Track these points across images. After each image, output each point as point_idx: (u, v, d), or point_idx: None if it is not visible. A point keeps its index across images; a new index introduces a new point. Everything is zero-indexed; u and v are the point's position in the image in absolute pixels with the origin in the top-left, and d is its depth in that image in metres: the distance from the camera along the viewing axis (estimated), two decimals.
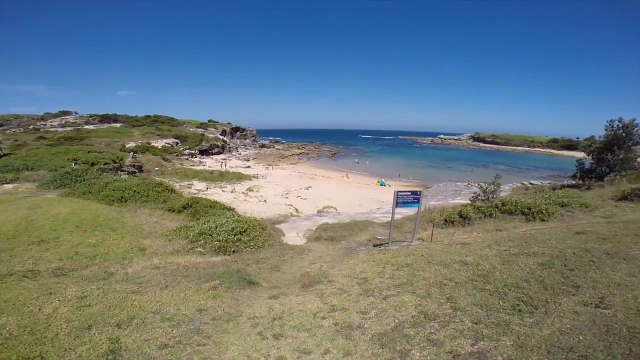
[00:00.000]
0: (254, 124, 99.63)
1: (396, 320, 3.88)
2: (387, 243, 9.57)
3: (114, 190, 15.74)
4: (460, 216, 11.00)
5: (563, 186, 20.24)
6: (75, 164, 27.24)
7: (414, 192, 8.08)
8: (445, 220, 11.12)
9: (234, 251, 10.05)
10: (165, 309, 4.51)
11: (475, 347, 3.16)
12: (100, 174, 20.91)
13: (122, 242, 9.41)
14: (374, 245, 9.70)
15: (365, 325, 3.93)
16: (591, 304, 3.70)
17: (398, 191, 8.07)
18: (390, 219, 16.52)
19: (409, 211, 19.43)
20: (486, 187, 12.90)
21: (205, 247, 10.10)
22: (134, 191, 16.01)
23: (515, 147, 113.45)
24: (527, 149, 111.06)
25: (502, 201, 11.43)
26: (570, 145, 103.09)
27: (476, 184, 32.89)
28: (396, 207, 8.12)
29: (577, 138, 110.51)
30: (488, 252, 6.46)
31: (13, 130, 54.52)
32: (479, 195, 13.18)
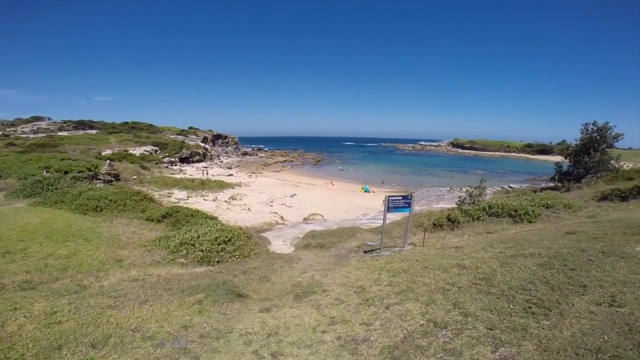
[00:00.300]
0: (236, 132, 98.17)
1: (404, 331, 3.59)
2: (378, 249, 9.34)
3: (88, 199, 14.95)
4: (449, 220, 10.96)
5: (543, 189, 20.77)
6: (47, 172, 25.77)
7: (405, 197, 7.91)
8: (434, 224, 11.04)
9: (218, 261, 9.56)
10: (146, 326, 4.04)
11: (496, 354, 2.93)
12: (73, 183, 19.90)
13: (96, 253, 8.76)
14: (364, 252, 9.44)
15: (372, 338, 3.62)
16: (604, 303, 3.56)
17: (389, 196, 7.88)
18: (377, 224, 16.42)
19: (396, 216, 19.34)
20: (472, 191, 12.98)
21: (187, 258, 9.55)
22: (110, 200, 15.26)
23: (492, 153, 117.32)
24: (504, 154, 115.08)
25: (488, 204, 11.48)
26: (544, 150, 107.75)
27: (458, 189, 33.56)
28: (387, 212, 7.90)
29: (550, 143, 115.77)
30: (484, 255, 6.34)
31: None
32: (465, 199, 13.24)
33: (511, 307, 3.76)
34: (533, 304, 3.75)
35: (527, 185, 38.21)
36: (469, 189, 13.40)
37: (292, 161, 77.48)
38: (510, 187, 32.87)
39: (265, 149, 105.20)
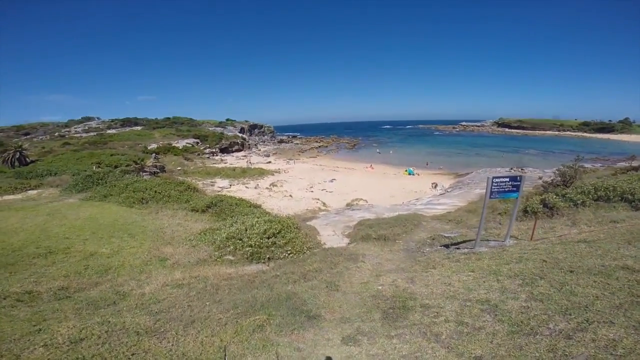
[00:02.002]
0: (270, 121, 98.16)
1: None
2: (464, 242, 7.63)
3: (134, 192, 14.74)
4: (545, 206, 8.87)
5: (635, 168, 17.44)
6: (98, 166, 26.70)
7: (513, 178, 6.02)
8: (525, 211, 9.00)
9: (269, 258, 8.45)
10: None
11: None
12: (122, 176, 20.14)
13: (140, 251, 8.00)
14: (444, 246, 7.74)
15: None
16: None
17: (494, 177, 6.03)
18: (439, 210, 14.44)
19: (458, 202, 17.20)
20: (564, 171, 10.60)
21: (235, 254, 8.53)
22: (155, 192, 14.93)
23: (543, 132, 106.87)
24: (557, 132, 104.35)
25: (593, 186, 9.18)
26: (604, 128, 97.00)
27: (520, 170, 29.92)
28: (490, 197, 6.12)
29: (610, 121, 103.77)
30: None
31: (40, 137, 55.51)
32: (553, 180, 10.90)
33: None
34: None
35: (600, 164, 33.19)
36: (561, 167, 10.99)
37: (326, 146, 75.92)
38: (582, 167, 28.63)
39: (300, 136, 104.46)
